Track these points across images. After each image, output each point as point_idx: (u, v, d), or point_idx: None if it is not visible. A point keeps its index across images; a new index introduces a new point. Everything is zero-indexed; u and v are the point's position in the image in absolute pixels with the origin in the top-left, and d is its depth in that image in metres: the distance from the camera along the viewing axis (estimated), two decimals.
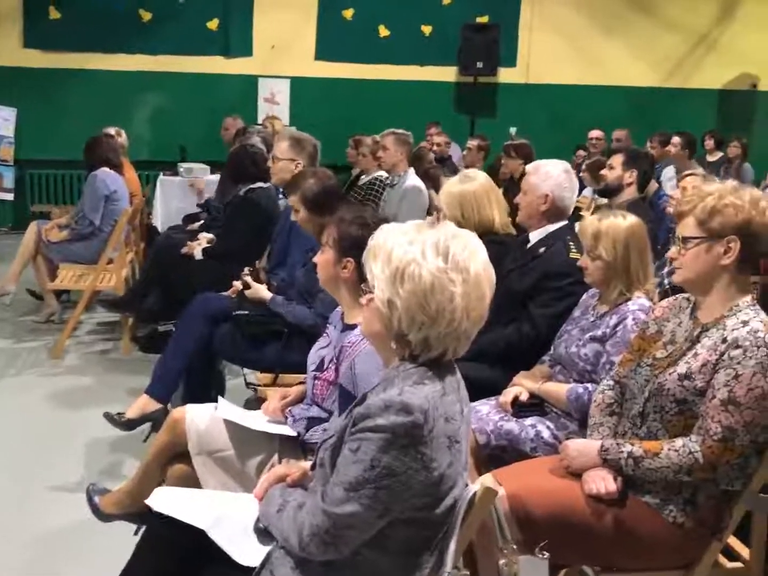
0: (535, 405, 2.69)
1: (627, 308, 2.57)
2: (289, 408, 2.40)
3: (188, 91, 8.67)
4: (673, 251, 2.14)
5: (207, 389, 3.44)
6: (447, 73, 9.40)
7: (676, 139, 6.52)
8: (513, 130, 9.58)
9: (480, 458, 2.62)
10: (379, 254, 1.68)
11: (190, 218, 6.55)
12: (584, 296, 2.83)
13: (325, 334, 2.47)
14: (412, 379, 1.62)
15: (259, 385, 3.20)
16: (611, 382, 2.34)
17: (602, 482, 2.07)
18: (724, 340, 2.00)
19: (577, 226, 2.82)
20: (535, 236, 3.22)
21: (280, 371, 3.25)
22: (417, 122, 8.87)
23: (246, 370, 3.49)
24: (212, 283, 4.04)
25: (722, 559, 2.18)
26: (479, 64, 9.02)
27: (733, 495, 2.05)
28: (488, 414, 2.70)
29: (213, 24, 8.74)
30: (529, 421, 2.64)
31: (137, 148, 7.55)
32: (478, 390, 2.82)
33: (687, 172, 3.70)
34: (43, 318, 5.41)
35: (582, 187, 7.18)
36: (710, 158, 8.70)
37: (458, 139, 8.89)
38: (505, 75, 9.52)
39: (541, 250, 3.15)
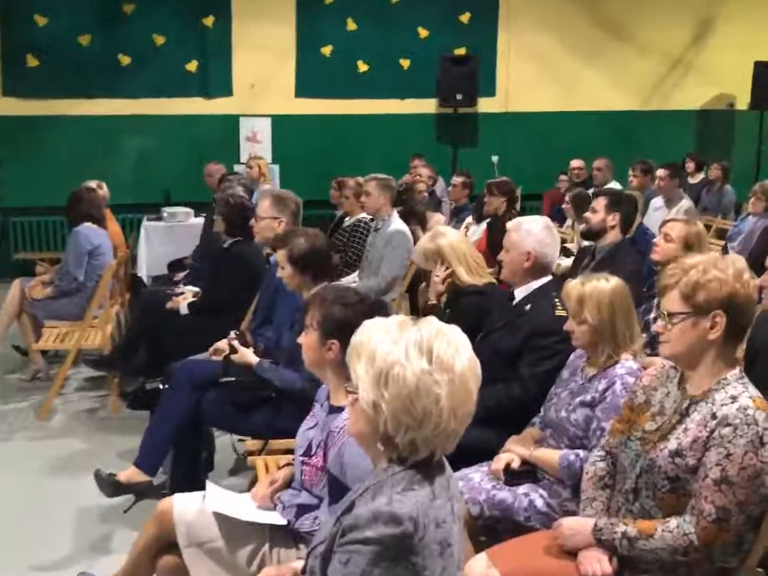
0: (528, 472, 2.67)
1: (615, 372, 2.57)
2: (278, 494, 2.37)
3: (169, 133, 8.65)
4: (659, 325, 2.13)
5: (196, 457, 3.40)
6: (427, 106, 9.44)
7: (662, 172, 6.55)
8: (495, 158, 9.64)
9: (474, 529, 2.59)
10: (362, 354, 1.66)
11: (175, 265, 6.55)
12: (572, 356, 2.82)
13: (312, 414, 2.44)
14: (400, 486, 1.60)
15: (248, 455, 3.17)
16: (602, 453, 2.32)
17: (597, 564, 2.06)
18: (714, 416, 1.99)
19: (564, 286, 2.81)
20: (519, 293, 3.21)
21: (270, 437, 3.22)
22: (400, 155, 8.94)
23: (235, 436, 3.45)
24: (199, 338, 4.03)
25: None
26: (459, 96, 9.06)
27: (730, 572, 2.03)
28: (480, 482, 2.67)
29: (192, 65, 8.74)
30: (521, 489, 2.62)
31: (120, 192, 7.50)
32: (470, 453, 2.81)
33: (668, 218, 3.70)
34: (29, 376, 5.36)
35: (562, 219, 7.23)
36: (692, 180, 8.78)
37: (441, 170, 8.94)
38: (485, 104, 9.56)
39: (527, 307, 3.15)
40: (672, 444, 2.04)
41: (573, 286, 2.63)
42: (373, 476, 1.69)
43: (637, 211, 4.49)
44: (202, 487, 2.53)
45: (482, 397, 3.00)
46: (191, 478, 3.24)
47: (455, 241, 3.66)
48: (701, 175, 8.64)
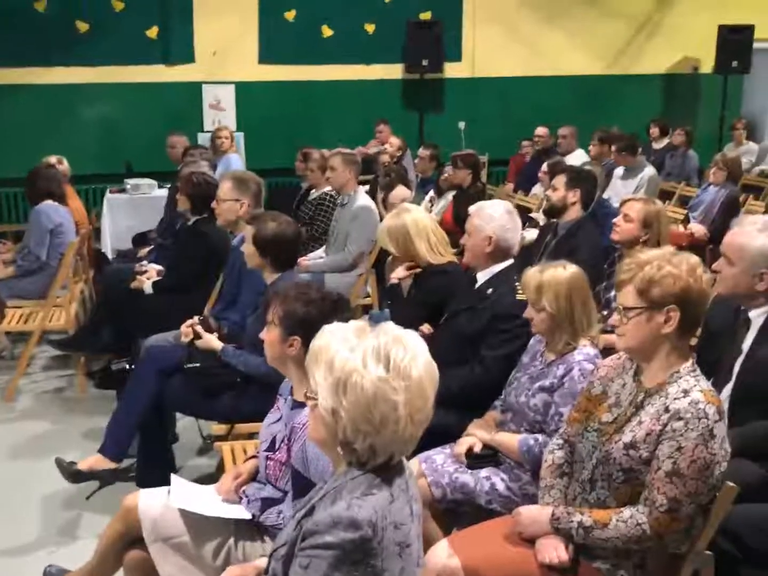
0: (489, 456, 2.73)
1: (573, 358, 2.62)
2: (243, 488, 2.40)
3: (131, 102, 8.50)
4: (615, 319, 2.18)
5: (163, 443, 3.42)
6: (393, 71, 9.36)
7: (615, 148, 6.62)
8: (462, 124, 9.61)
9: (436, 511, 2.65)
10: (321, 361, 1.68)
11: (139, 239, 6.48)
12: (532, 341, 2.87)
13: (275, 408, 2.47)
14: (359, 490, 1.63)
15: (214, 439, 3.19)
16: (561, 441, 2.38)
17: (554, 551, 2.12)
18: (667, 410, 2.04)
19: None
20: (482, 276, 3.25)
21: (236, 421, 3.25)
22: (366, 121, 8.88)
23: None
24: (165, 317, 4.02)
25: None
26: (425, 62, 8.99)
27: (681, 556, 2.11)
28: (443, 465, 2.73)
29: (152, 32, 8.56)
30: (483, 472, 2.68)
31: (82, 163, 7.38)
32: (434, 436, 2.86)
33: (627, 198, 3.74)
34: None
35: (528, 185, 7.26)
36: (656, 146, 8.84)
37: (408, 136, 8.89)
38: (451, 70, 9.51)
39: (489, 291, 3.19)
40: (627, 437, 2.10)
41: (531, 274, 2.66)
42: (332, 480, 1.72)
43: (596, 186, 4.51)
44: (169, 472, 2.56)
45: (446, 380, 3.08)
46: (157, 464, 3.26)
47: (420, 217, 3.69)
48: (666, 140, 8.70)
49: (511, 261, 3.24)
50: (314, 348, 1.71)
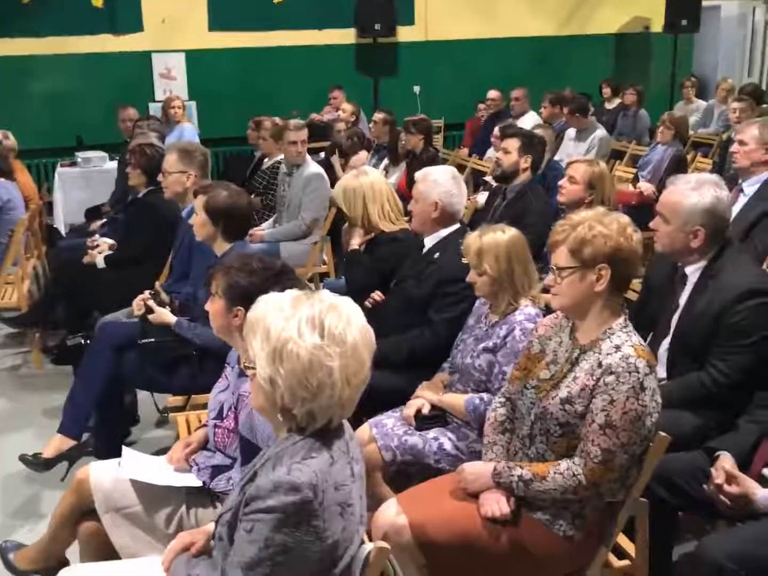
0: (437, 416, 2.79)
1: (515, 318, 2.69)
2: (193, 456, 2.44)
3: (78, 73, 8.34)
4: (549, 279, 2.24)
5: (120, 417, 3.43)
6: (346, 36, 9.29)
7: (567, 110, 6.68)
8: (417, 89, 9.61)
9: (387, 474, 2.72)
10: (258, 331, 1.72)
11: (92, 212, 6.41)
12: (477, 304, 2.93)
13: (224, 376, 2.50)
14: (299, 455, 1.68)
15: (169, 411, 3.22)
16: (503, 399, 2.45)
17: (496, 504, 2.20)
18: (600, 365, 2.12)
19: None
20: (429, 242, 3.30)
21: (192, 393, 3.28)
22: (320, 87, 8.81)
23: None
24: (119, 290, 4.01)
25: (612, 558, 2.35)
26: (377, 26, 8.93)
27: (617, 505, 2.20)
28: (393, 428, 2.79)
29: (98, 0, 8.37)
30: (431, 433, 2.75)
31: (31, 137, 7.25)
32: (386, 399, 2.93)
33: (571, 159, 3.80)
34: None
35: (483, 148, 7.29)
36: (608, 105, 8.92)
37: (363, 102, 8.86)
38: (404, 34, 9.46)
39: (436, 255, 3.24)
40: (563, 392, 2.18)
41: (472, 239, 2.71)
42: (274, 446, 1.77)
43: (545, 151, 4.57)
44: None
45: (396, 344, 3.17)
46: (114, 438, 3.27)
47: (377, 182, 3.70)
48: (617, 100, 8.77)
49: (457, 226, 3.29)
50: (251, 318, 1.75)
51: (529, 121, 7.59)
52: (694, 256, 2.75)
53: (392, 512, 2.30)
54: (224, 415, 2.35)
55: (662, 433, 2.15)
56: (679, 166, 5.86)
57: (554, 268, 2.21)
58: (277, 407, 1.71)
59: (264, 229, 5.26)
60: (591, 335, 2.20)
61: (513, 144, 4.26)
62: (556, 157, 6.36)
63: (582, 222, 2.18)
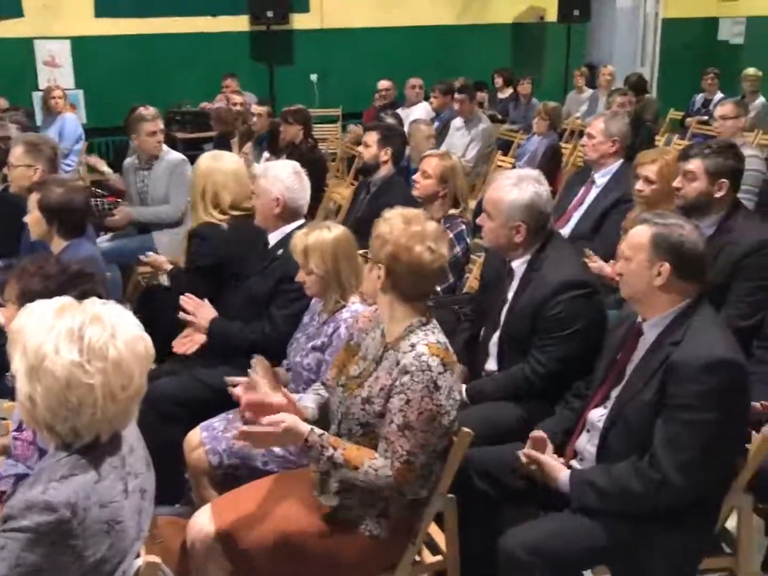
0: None
1: (341, 316, 2.68)
2: None
3: None
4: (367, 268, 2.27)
5: None
6: (239, 23, 9.13)
7: (458, 96, 6.70)
8: (314, 77, 9.53)
9: (214, 479, 2.68)
10: (18, 343, 1.65)
11: None
12: (313, 301, 2.91)
13: None
14: (59, 473, 1.62)
15: None
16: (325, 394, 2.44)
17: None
18: (398, 364, 2.11)
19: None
20: (273, 238, 3.26)
21: None
22: (213, 75, 8.64)
23: None
24: None
25: (426, 554, 2.37)
26: (269, 13, 8.80)
27: (422, 502, 2.21)
28: (223, 431, 2.75)
29: None
30: None
31: None
32: (226, 396, 2.89)
33: (425, 154, 3.80)
34: None
35: None
36: (501, 95, 9.01)
37: (259, 91, 8.75)
38: (300, 21, 9.35)
39: (279, 252, 3.20)
40: (364, 391, 2.17)
41: (298, 238, 2.68)
42: (41, 462, 1.71)
43: (406, 144, 4.58)
44: None
45: (238, 342, 3.11)
46: None
47: (223, 169, 3.54)
48: (510, 90, 8.87)
49: (301, 221, 3.25)
50: (13, 329, 1.68)
51: (420, 111, 7.62)
52: (518, 250, 2.78)
53: (204, 519, 2.26)
54: (24, 427, 2.27)
55: (465, 429, 2.17)
56: (554, 155, 5.97)
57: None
58: (41, 425, 1.65)
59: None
60: (395, 333, 2.20)
61: (372, 137, 4.26)
62: (443, 148, 6.40)
63: (390, 219, 2.17)
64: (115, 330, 1.66)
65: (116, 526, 1.66)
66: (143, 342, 1.72)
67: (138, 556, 1.76)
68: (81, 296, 1.85)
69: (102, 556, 1.63)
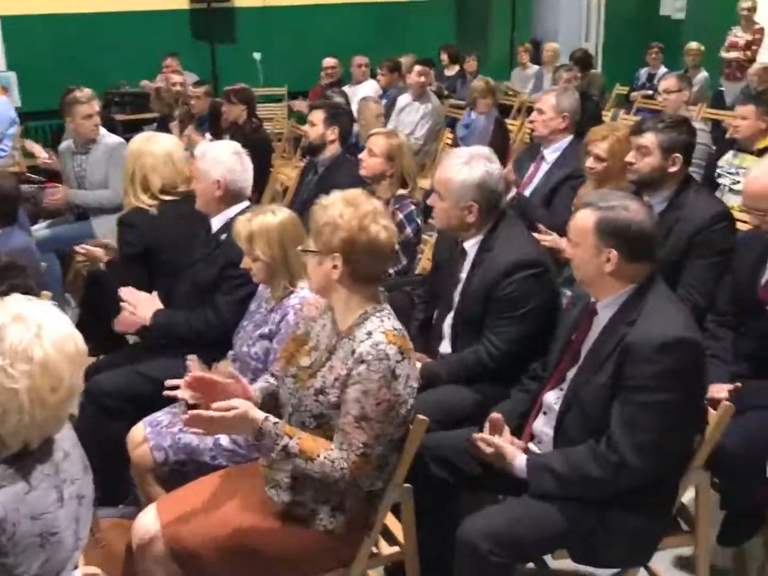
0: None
1: (289, 303, 2.58)
2: None
3: None
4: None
5: None
6: (178, 1, 8.85)
7: (418, 68, 6.56)
8: (257, 55, 9.31)
9: (161, 476, 2.58)
10: None
11: None
12: (260, 287, 2.80)
13: None
14: None
15: None
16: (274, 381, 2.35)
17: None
18: (354, 353, 2.02)
19: None
20: (216, 223, 3.13)
21: None
22: (153, 55, 8.36)
23: None
24: None
25: (383, 545, 2.31)
26: None
27: (378, 494, 2.14)
28: (168, 426, 2.64)
29: None
30: None
31: None
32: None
33: (371, 133, 3.71)
34: None
35: None
36: (448, 72, 8.93)
37: (201, 70, 8.52)
38: None
39: (223, 237, 3.08)
40: (318, 382, 2.07)
41: (241, 224, 2.57)
42: None
43: (353, 122, 4.47)
44: None
45: (179, 327, 2.99)
46: None
47: (154, 151, 3.39)
48: (456, 68, 8.79)
49: (245, 204, 3.13)
50: None
51: (367, 89, 7.50)
52: (471, 230, 2.71)
53: (149, 519, 2.16)
54: None
55: (420, 416, 2.10)
56: (502, 130, 5.93)
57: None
58: None
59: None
60: (347, 321, 2.10)
61: (318, 116, 4.13)
62: (391, 125, 6.30)
63: (331, 207, 2.06)
64: (41, 329, 1.55)
65: (51, 538, 1.56)
66: (73, 340, 1.61)
67: (77, 567, 1.66)
68: (9, 290, 1.74)
69: (36, 573, 1.53)
